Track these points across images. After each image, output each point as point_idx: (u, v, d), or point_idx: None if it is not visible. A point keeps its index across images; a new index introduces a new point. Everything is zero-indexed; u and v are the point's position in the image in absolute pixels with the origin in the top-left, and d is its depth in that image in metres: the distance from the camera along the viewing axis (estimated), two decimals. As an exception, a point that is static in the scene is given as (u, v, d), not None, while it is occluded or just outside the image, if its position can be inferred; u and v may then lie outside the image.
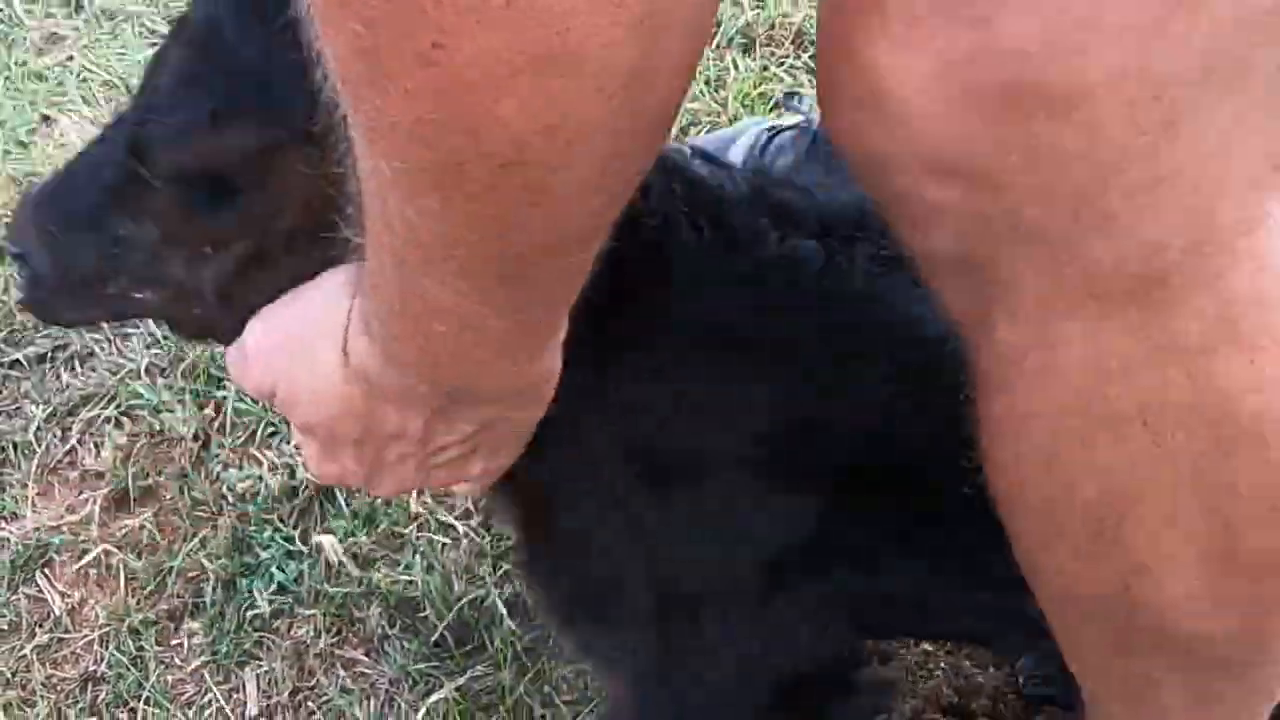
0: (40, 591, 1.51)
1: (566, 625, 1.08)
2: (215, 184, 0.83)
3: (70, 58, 2.08)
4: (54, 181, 0.93)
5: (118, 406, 1.63)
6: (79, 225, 0.89)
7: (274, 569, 1.47)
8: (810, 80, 1.83)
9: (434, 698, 1.37)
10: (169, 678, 1.43)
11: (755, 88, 1.88)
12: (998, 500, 0.70)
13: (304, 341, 0.80)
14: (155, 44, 1.96)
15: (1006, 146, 0.55)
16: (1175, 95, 0.52)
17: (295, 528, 1.51)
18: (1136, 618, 0.69)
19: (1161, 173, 0.54)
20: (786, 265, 0.88)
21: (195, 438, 1.58)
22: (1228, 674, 0.74)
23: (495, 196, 0.56)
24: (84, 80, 2.03)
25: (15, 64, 2.08)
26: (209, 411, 1.61)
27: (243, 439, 1.59)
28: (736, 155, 1.44)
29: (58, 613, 1.49)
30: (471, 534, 1.48)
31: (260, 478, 1.54)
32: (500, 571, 1.44)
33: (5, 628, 1.49)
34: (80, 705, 1.42)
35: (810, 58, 1.92)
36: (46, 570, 1.53)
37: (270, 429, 1.59)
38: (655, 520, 0.94)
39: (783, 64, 1.92)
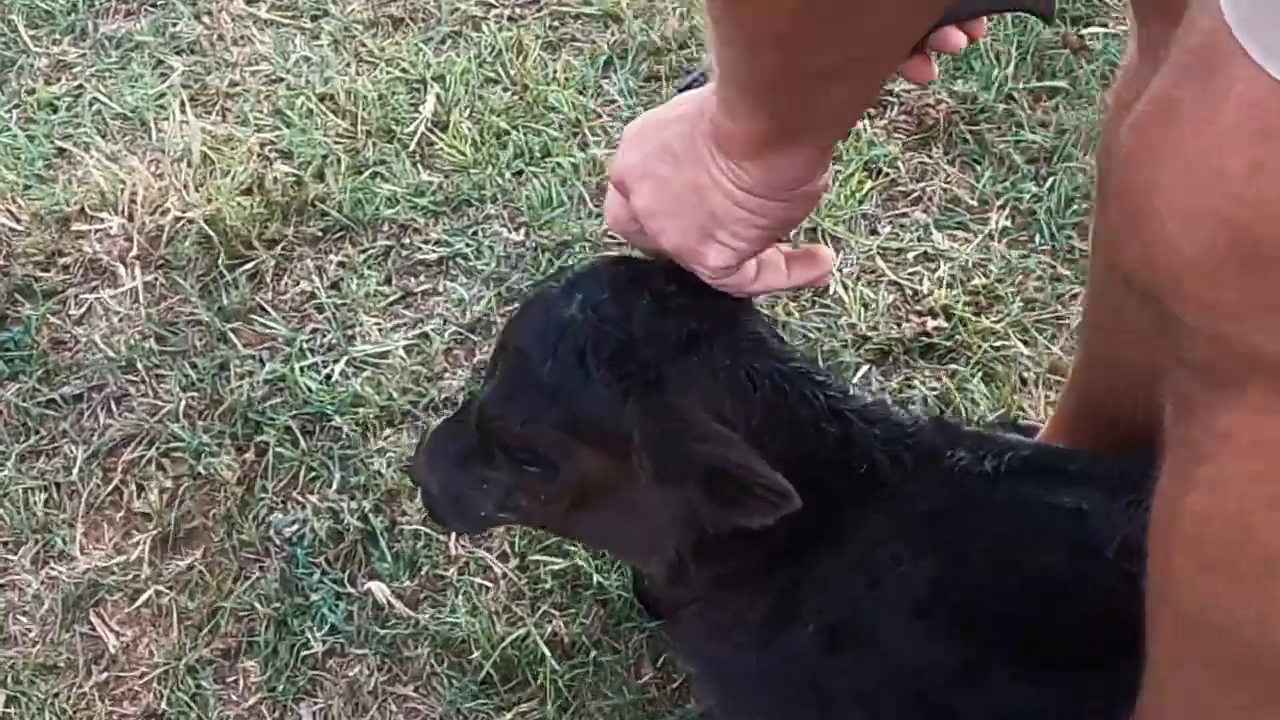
0: (94, 630, 1.59)
1: None
2: (537, 459, 1.11)
3: (80, 87, 2.13)
4: (440, 431, 1.27)
5: (158, 448, 1.71)
6: (455, 467, 1.20)
7: (325, 610, 1.56)
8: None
9: (485, 734, 1.48)
10: (229, 714, 1.53)
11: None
12: (1166, 539, 0.86)
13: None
14: (165, 74, 2.04)
15: (1255, 295, 0.70)
16: None
17: (343, 570, 1.60)
18: (1261, 652, 0.83)
19: None
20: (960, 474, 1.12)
21: (239, 482, 1.66)
22: None
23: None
24: (97, 112, 2.08)
25: (25, 92, 2.12)
26: (249, 455, 1.69)
27: (284, 483, 1.67)
28: None
29: (113, 651, 1.57)
30: (510, 575, 1.58)
31: (305, 520, 1.63)
32: (539, 612, 1.55)
33: (62, 664, 1.57)
34: (146, 742, 1.50)
35: None
36: (99, 609, 1.60)
37: (311, 473, 1.67)
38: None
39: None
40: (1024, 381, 1.71)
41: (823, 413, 1.09)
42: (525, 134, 2.01)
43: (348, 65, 2.13)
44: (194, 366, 1.78)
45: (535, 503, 1.16)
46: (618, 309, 1.06)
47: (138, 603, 1.60)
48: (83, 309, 1.85)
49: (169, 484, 1.67)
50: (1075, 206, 1.87)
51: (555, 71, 2.10)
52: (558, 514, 1.17)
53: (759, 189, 0.97)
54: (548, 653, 1.51)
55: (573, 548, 1.58)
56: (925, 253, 1.85)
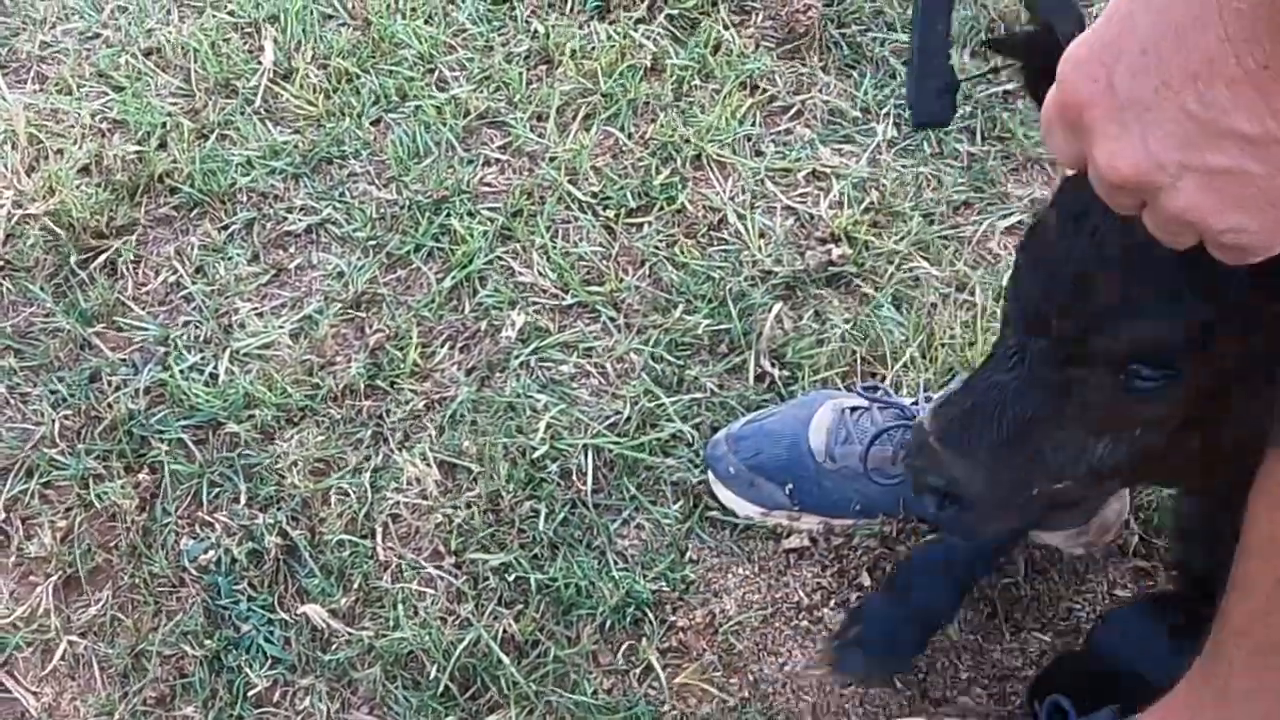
0: (9, 692, 1.48)
1: None
2: (1157, 368, 0.92)
3: None
4: (954, 418, 1.04)
5: (39, 479, 1.58)
6: (1004, 444, 1.00)
7: (260, 640, 1.48)
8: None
9: (452, 751, 1.43)
10: (174, 766, 1.44)
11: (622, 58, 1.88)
12: None
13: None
14: None
15: None
16: None
17: (270, 593, 1.51)
18: None
19: None
20: None
21: (138, 508, 1.55)
22: None
23: None
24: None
25: None
26: (143, 476, 1.57)
27: (187, 503, 1.56)
28: (817, 436, 1.51)
29: (34, 713, 1.46)
30: (447, 576, 1.51)
31: (218, 543, 1.53)
32: (486, 612, 1.49)
33: (-24, 733, 1.46)
34: (92, 811, 1.41)
35: (666, 19, 1.93)
36: (9, 669, 1.49)
37: (214, 488, 1.56)
38: None
39: (639, 27, 1.93)
40: (934, 306, 1.68)
41: None
42: (378, 76, 1.87)
43: (169, 12, 1.94)
44: (61, 380, 1.64)
45: (1118, 447, 0.99)
46: None
47: (54, 657, 1.48)
48: (-79, 327, 1.68)
49: (60, 520, 1.55)
50: (960, 111, 1.83)
51: (397, 1, 1.95)
52: (1156, 444, 0.99)
53: None
54: (502, 656, 1.46)
55: (507, 539, 1.52)
56: (814, 171, 1.80)
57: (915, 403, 1.51)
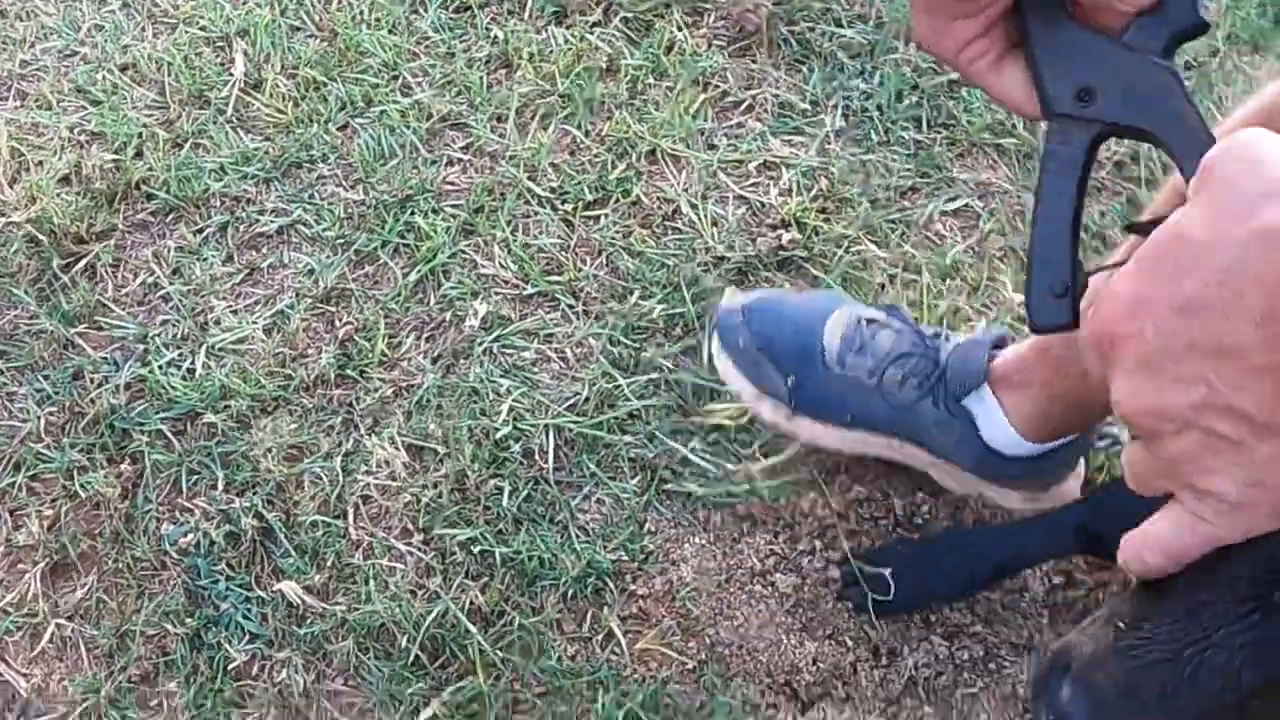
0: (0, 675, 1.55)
1: None
2: None
3: None
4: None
5: (26, 473, 1.65)
6: None
7: (238, 618, 1.55)
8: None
9: (424, 715, 1.50)
10: (158, 738, 1.51)
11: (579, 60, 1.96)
12: None
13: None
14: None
15: None
16: None
17: (248, 573, 1.58)
18: None
19: None
20: None
21: (121, 496, 1.62)
22: None
23: None
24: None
25: None
26: (125, 467, 1.64)
27: (167, 490, 1.63)
28: (832, 339, 1.54)
29: (25, 694, 1.53)
30: (416, 551, 1.58)
31: (197, 527, 1.60)
32: (454, 585, 1.56)
33: (-31, 713, 1.53)
34: (80, 782, 1.48)
35: (622, 21, 2.01)
36: (0, 653, 1.56)
37: (193, 476, 1.64)
38: None
39: (595, 30, 2.00)
40: (882, 286, 1.76)
41: None
42: (344, 84, 1.95)
43: (143, 30, 2.02)
44: (46, 379, 1.71)
45: None
46: None
47: (42, 639, 1.56)
48: (-90, 333, 1.76)
49: (47, 510, 1.62)
50: (906, 100, 1.91)
51: (363, 13, 2.03)
52: None
53: None
54: (470, 625, 1.53)
55: (473, 516, 1.59)
56: (765, 162, 1.88)
57: (937, 335, 1.53)
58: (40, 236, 1.79)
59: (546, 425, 1.65)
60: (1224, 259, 0.65)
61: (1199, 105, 0.84)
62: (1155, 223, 0.70)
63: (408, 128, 1.90)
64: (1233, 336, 0.66)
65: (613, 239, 1.80)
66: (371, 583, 1.56)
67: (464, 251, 1.79)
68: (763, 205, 1.83)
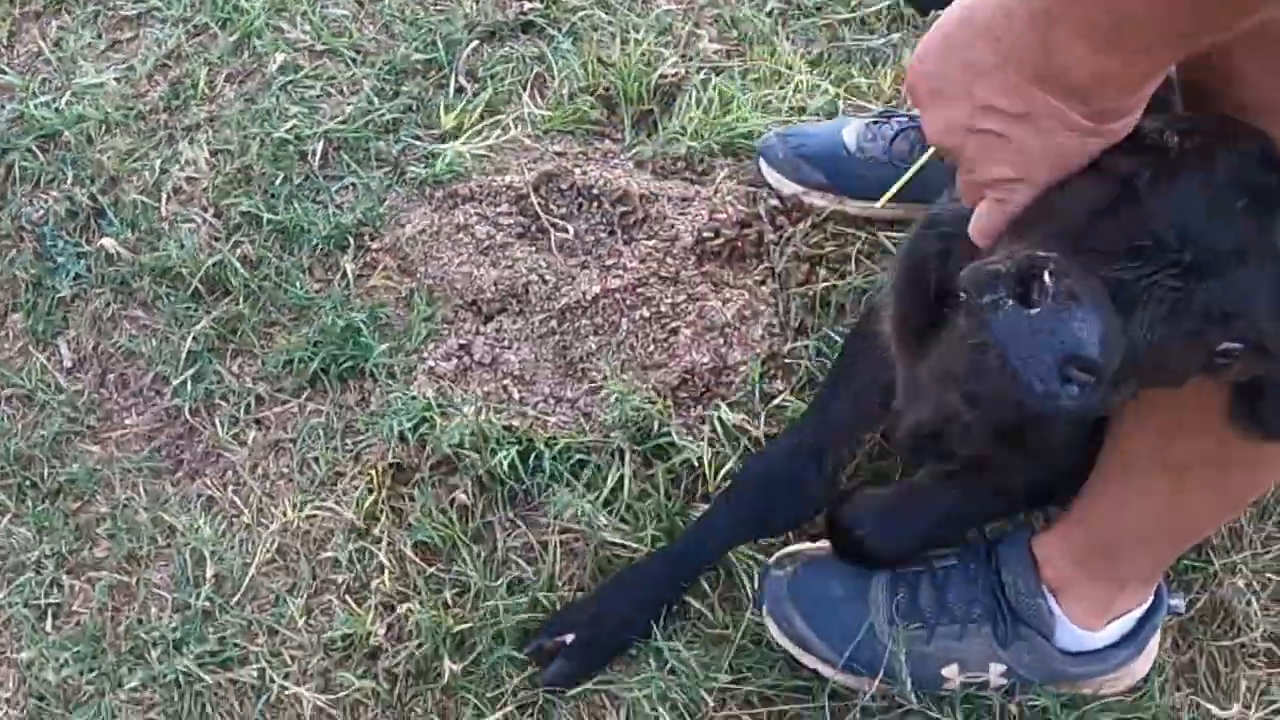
0: (-107, 312, 2.05)
1: None
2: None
3: None
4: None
5: (-74, 178, 2.16)
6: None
7: (68, 266, 2.04)
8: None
9: (194, 329, 1.97)
10: (2, 357, 2.00)
11: None
12: None
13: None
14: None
15: None
16: None
17: (81, 237, 2.07)
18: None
19: None
20: None
21: (-7, 192, 2.13)
22: None
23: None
24: None
25: None
26: (-1, 171, 2.15)
27: (31, 187, 2.14)
28: (850, 137, 1.97)
29: (-90, 323, 2.04)
30: (209, 221, 2.06)
31: (49, 208, 2.09)
32: (231, 241, 2.03)
33: (-128, 342, 2.03)
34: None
35: None
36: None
37: (50, 177, 2.14)
38: None
39: None
40: (601, 42, 2.20)
41: None
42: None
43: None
44: (-51, 118, 2.23)
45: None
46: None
47: (-79, 284, 2.06)
48: None
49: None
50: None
51: None
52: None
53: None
54: (239, 266, 2.00)
55: (254, 196, 2.06)
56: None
57: None
58: (-49, 16, 2.32)
59: (318, 134, 2.12)
60: (972, 15, 0.91)
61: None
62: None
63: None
64: (978, 55, 0.91)
65: (393, 12, 2.27)
66: (171, 242, 2.04)
67: (274, 22, 2.28)
68: (517, -14, 2.30)
